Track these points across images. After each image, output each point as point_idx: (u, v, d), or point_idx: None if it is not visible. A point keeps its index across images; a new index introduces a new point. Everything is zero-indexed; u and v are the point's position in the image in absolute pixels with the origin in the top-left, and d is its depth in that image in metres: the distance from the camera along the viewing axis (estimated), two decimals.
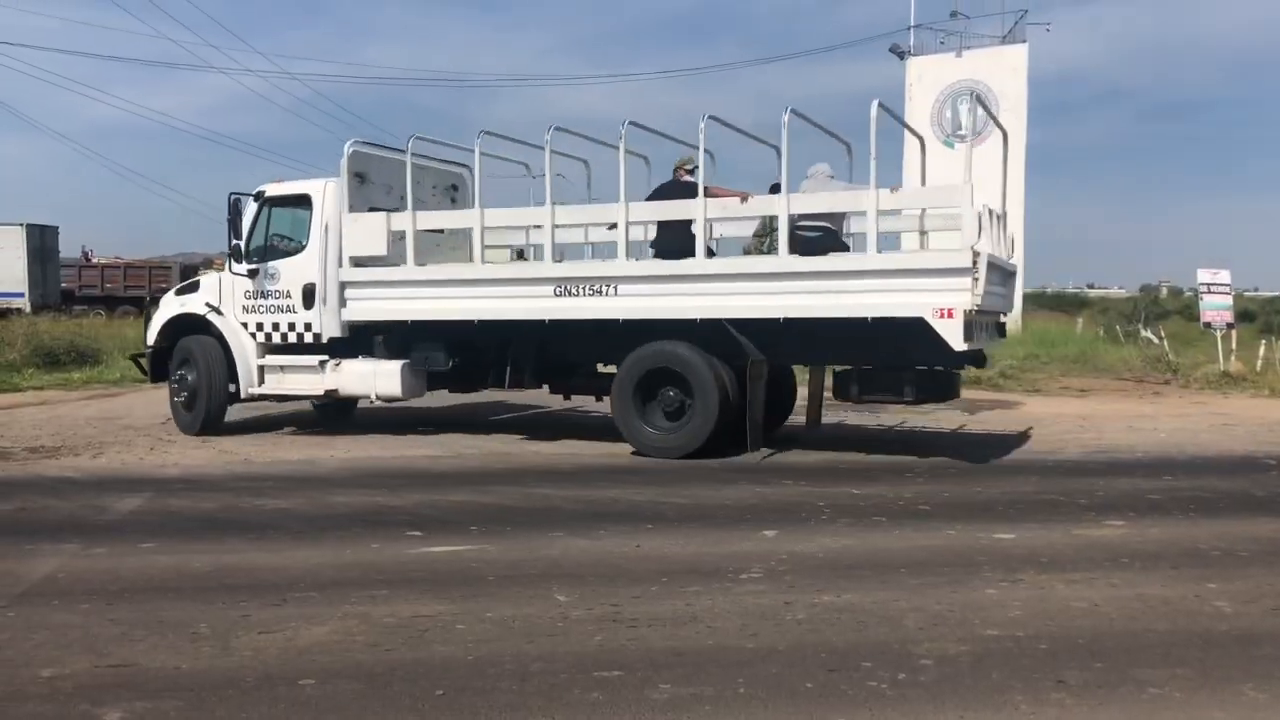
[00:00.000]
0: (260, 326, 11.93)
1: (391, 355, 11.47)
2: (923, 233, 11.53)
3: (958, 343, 9.09)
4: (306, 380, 11.75)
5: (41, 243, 41.05)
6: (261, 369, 11.91)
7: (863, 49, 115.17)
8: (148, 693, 4.21)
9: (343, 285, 11.50)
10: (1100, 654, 4.67)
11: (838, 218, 10.34)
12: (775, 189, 10.36)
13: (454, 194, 12.70)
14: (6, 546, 6.68)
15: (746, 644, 4.80)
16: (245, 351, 11.90)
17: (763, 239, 10.67)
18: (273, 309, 11.82)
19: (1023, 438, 11.90)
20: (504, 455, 10.66)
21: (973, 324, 9.18)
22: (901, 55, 33.57)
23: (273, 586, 5.73)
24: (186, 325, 12.24)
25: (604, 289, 10.49)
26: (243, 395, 11.99)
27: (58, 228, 42.37)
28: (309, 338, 11.68)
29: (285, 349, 11.84)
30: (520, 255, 12.22)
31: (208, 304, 12.12)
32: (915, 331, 9.28)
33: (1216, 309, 20.56)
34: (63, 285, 42.88)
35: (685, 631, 4.99)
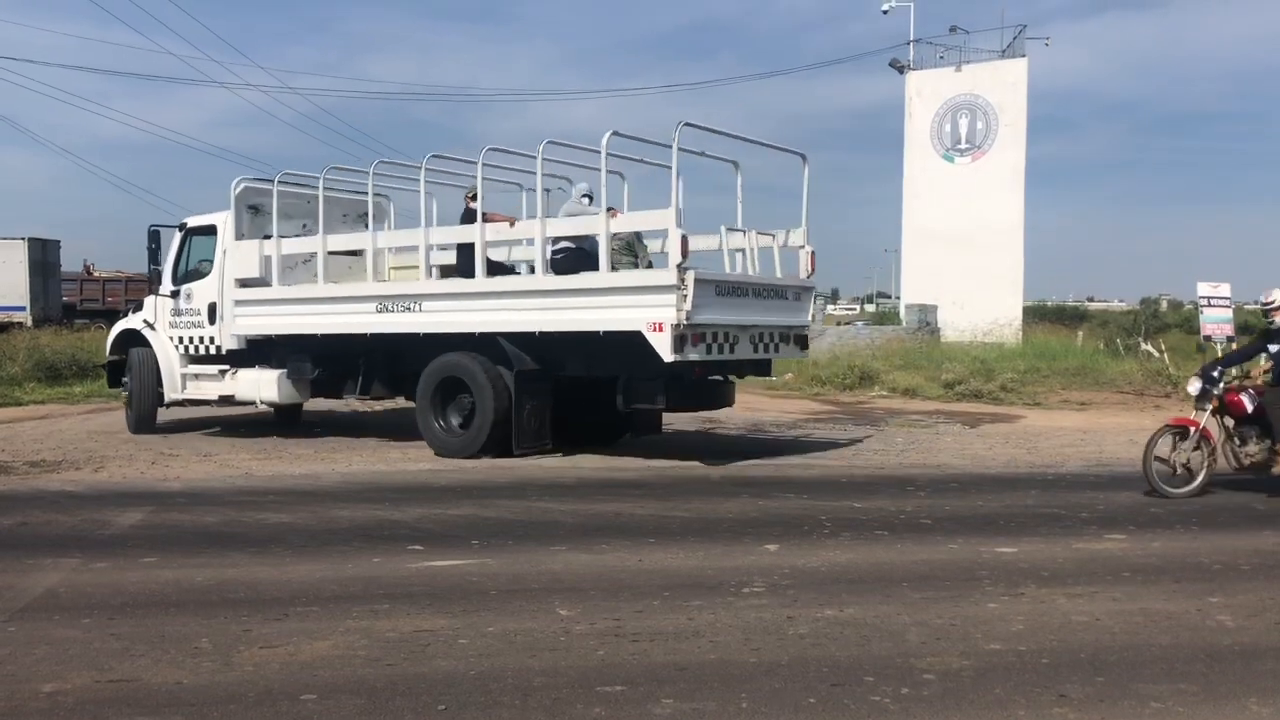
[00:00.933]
0: (182, 340, 13.57)
1: (276, 365, 12.87)
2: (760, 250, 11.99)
3: (666, 354, 9.92)
4: (212, 386, 13.38)
5: (43, 256, 41.06)
6: (184, 377, 13.52)
7: (863, 64, 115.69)
8: (149, 708, 4.21)
9: (234, 304, 13.03)
10: (1102, 668, 4.66)
11: (592, 238, 10.85)
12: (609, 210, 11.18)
13: (366, 222, 13.30)
14: (8, 561, 6.67)
15: (749, 658, 4.79)
16: (171, 362, 13.56)
17: (623, 255, 11.34)
18: (190, 325, 13.51)
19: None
20: (506, 469, 10.66)
21: (685, 337, 9.92)
22: (901, 70, 33.73)
23: (274, 601, 5.73)
24: (132, 339, 14.00)
25: (412, 306, 11.75)
26: (166, 400, 13.57)
27: (59, 241, 42.39)
28: (213, 349, 13.29)
29: (200, 359, 13.48)
30: (444, 273, 12.73)
31: (145, 321, 13.92)
32: (637, 343, 10.11)
33: (1217, 322, 20.60)
34: (64, 299, 42.88)
35: (688, 646, 4.98)
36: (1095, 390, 20.03)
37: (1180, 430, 9.18)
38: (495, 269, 11.77)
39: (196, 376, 13.47)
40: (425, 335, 11.62)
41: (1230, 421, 9.35)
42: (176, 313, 13.59)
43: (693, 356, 10.10)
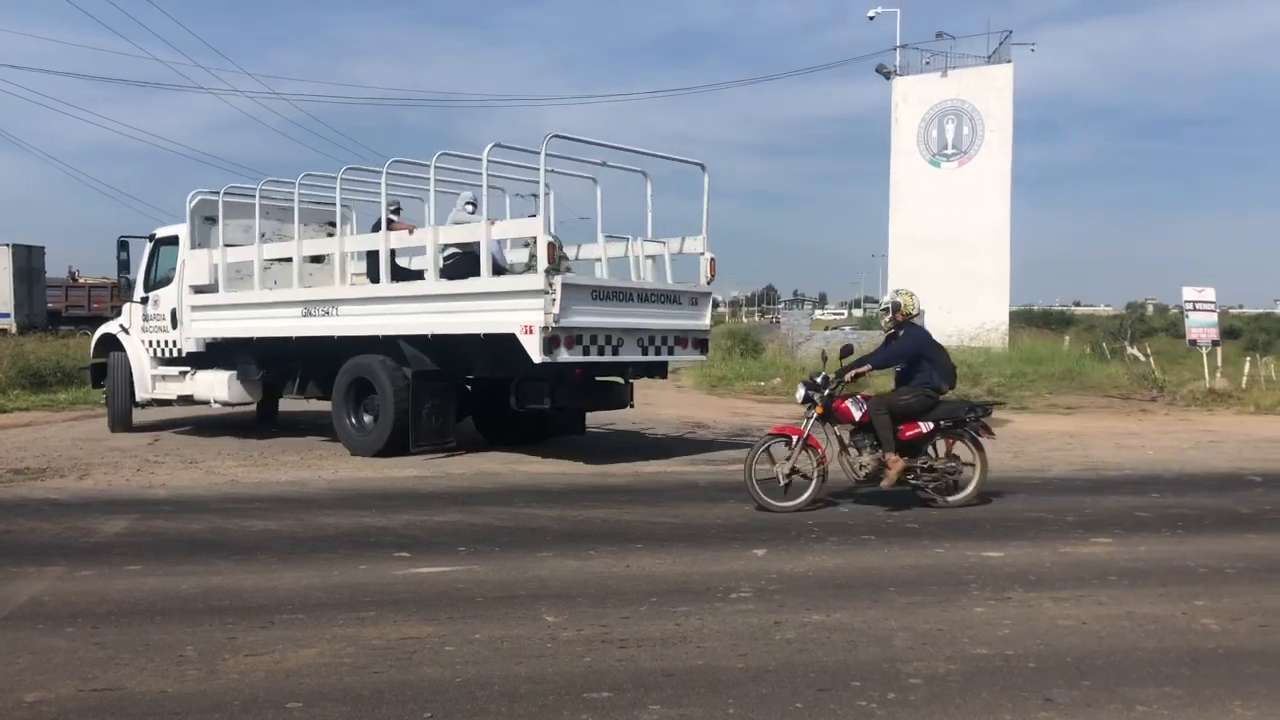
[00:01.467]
0: (151, 344, 14.44)
1: (228, 367, 13.60)
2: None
3: (536, 355, 10.38)
4: (175, 387, 14.19)
5: (28, 263, 40.92)
6: (153, 378, 14.37)
7: (849, 69, 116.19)
8: (133, 717, 4.18)
9: (189, 309, 13.85)
10: (1089, 672, 4.67)
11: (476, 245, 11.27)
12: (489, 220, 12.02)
13: (330, 230, 13.77)
14: None
15: (736, 664, 4.79)
16: (142, 364, 14.46)
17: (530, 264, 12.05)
18: (157, 329, 14.35)
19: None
20: (492, 475, 10.64)
21: (556, 339, 10.37)
22: (888, 75, 33.83)
23: (260, 609, 5.70)
24: (111, 343, 14.94)
25: (330, 311, 12.34)
26: (138, 399, 14.47)
27: (44, 248, 42.31)
28: (176, 352, 14.08)
29: (166, 362, 14.26)
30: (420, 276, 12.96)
31: (121, 326, 14.86)
32: (515, 346, 10.54)
33: (1202, 326, 20.70)
34: (49, 305, 42.73)
35: (675, 652, 4.98)
36: (1082, 394, 20.12)
37: (786, 439, 8.70)
38: (401, 275, 12.30)
39: (164, 377, 14.33)
40: (340, 338, 12.25)
41: (845, 431, 8.84)
42: (146, 318, 14.50)
43: (564, 358, 10.55)
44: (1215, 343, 20.71)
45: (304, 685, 4.51)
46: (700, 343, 12.14)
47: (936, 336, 9.72)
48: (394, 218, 12.51)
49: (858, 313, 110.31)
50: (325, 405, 13.29)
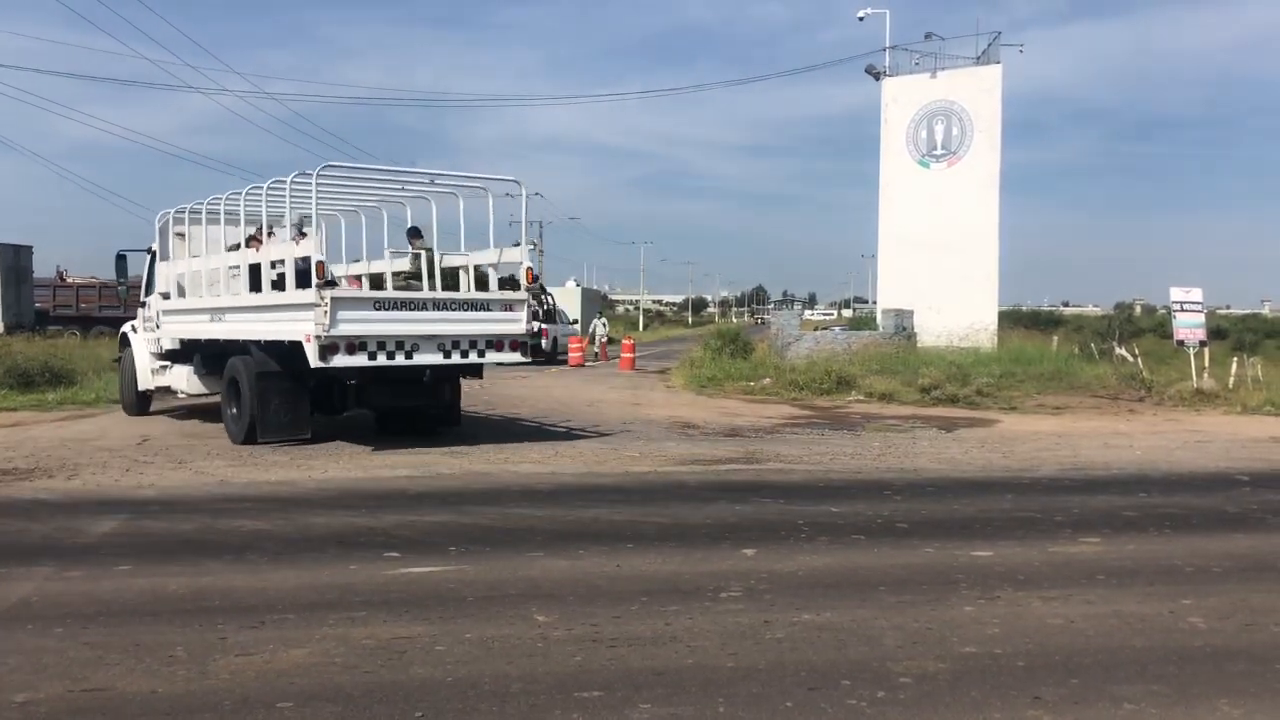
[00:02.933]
0: (149, 342, 16.29)
1: (189, 363, 15.28)
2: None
3: (313, 361, 11.52)
4: (159, 379, 16.03)
5: (16, 262, 40.71)
6: (151, 371, 16.18)
7: (839, 70, 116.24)
8: (124, 717, 4.18)
9: (160, 313, 15.78)
10: (1076, 670, 4.70)
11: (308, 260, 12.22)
12: (414, 231, 14.45)
13: (301, 237, 14.35)
14: None
15: (726, 663, 4.81)
16: (143, 359, 16.32)
17: (415, 277, 13.95)
18: (149, 329, 16.28)
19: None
20: (482, 475, 10.64)
21: (334, 347, 11.56)
22: (877, 76, 33.87)
23: (250, 609, 5.70)
24: (125, 340, 17.21)
25: (221, 317, 13.95)
26: (140, 388, 16.36)
27: (32, 247, 42.08)
28: (160, 349, 15.93)
29: (157, 357, 16.10)
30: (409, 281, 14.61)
31: (132, 326, 17.03)
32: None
33: (1189, 327, 20.80)
34: (37, 305, 42.53)
35: (665, 651, 4.99)
36: (1070, 394, 20.19)
37: None
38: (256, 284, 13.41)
39: (154, 370, 16.18)
40: (224, 340, 13.77)
41: None
42: (144, 320, 16.57)
43: (342, 363, 11.71)
44: (1202, 343, 20.81)
45: (294, 685, 4.51)
46: (520, 345, 12.99)
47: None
48: (254, 234, 14.21)
49: (847, 313, 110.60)
50: None
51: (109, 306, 45.24)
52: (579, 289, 61.16)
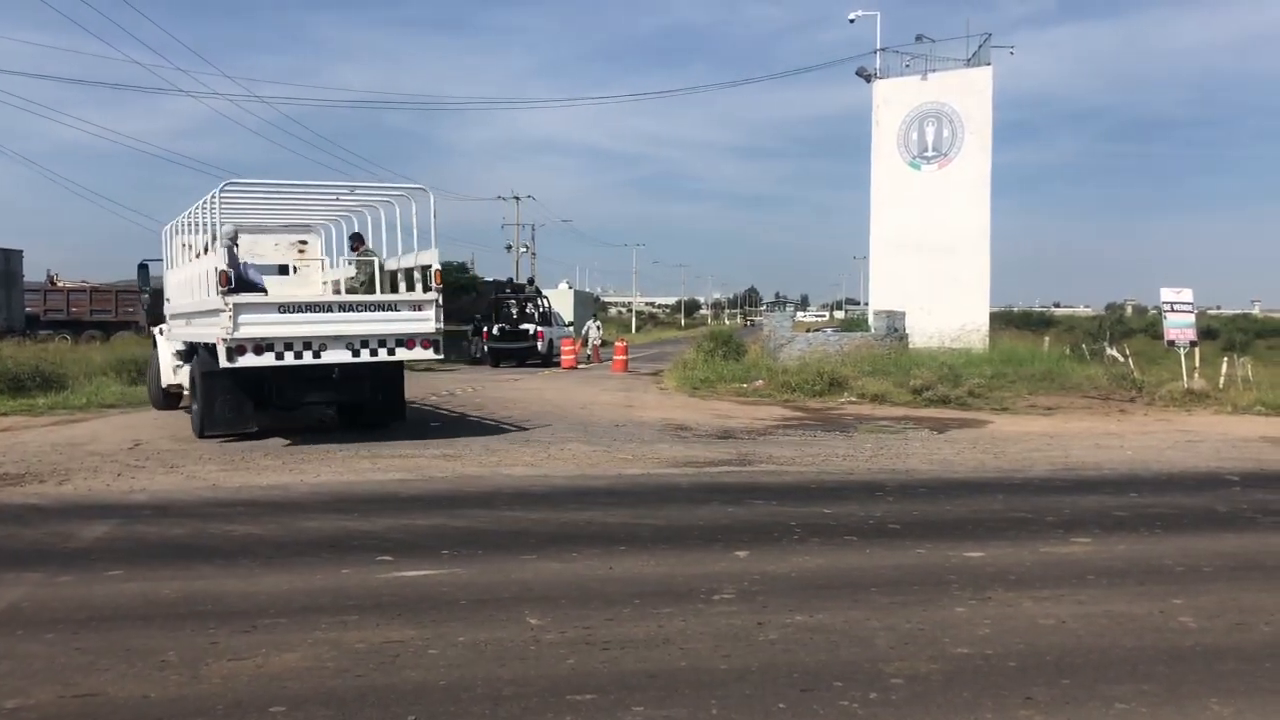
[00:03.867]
0: (170, 343, 16.96)
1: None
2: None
3: (222, 361, 12.66)
4: (175, 377, 16.84)
5: (6, 266, 40.58)
6: (172, 369, 16.93)
7: (830, 72, 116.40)
8: None
9: (169, 316, 16.72)
10: (1068, 670, 4.72)
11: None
12: (355, 238, 15.66)
13: (303, 247, 16.21)
14: None
15: (719, 665, 4.81)
16: (166, 359, 17.19)
17: (363, 281, 15.10)
18: (168, 331, 16.94)
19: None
20: (475, 479, 10.64)
21: (241, 348, 12.64)
22: (868, 78, 33.94)
23: (242, 613, 5.69)
24: (155, 341, 18.30)
25: (191, 321, 14.84)
26: (162, 384, 17.40)
27: (22, 251, 41.96)
28: (175, 351, 16.64)
29: (175, 356, 16.65)
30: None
31: (159, 329, 17.88)
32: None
33: (1180, 327, 20.86)
34: (27, 310, 42.40)
35: (658, 653, 5.00)
36: (1061, 395, 20.23)
37: None
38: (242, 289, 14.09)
39: (174, 370, 16.88)
40: (189, 343, 15.07)
41: None
42: (169, 324, 17.22)
43: (249, 363, 12.75)
44: (1193, 343, 20.88)
45: (287, 689, 4.51)
46: (431, 343, 13.78)
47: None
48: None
49: (839, 314, 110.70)
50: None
51: (100, 311, 45.22)
52: (572, 291, 61.19)
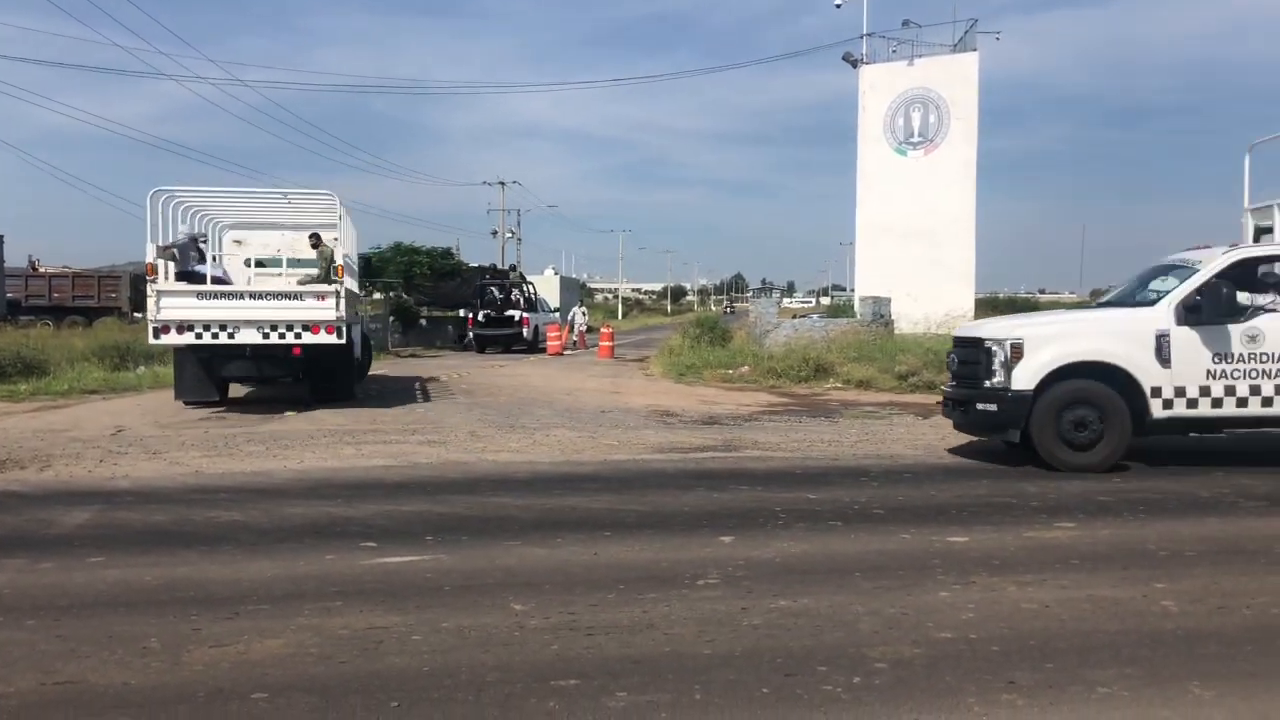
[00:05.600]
0: None
1: None
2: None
3: (150, 339, 15.34)
4: None
5: None
6: None
7: (816, 58, 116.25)
8: (96, 710, 4.15)
9: None
10: (1051, 654, 4.73)
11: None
12: (313, 236, 16.89)
13: (314, 241, 17.15)
14: None
15: (703, 650, 4.81)
16: None
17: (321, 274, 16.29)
18: None
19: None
20: (459, 464, 10.62)
21: (165, 328, 15.03)
22: (854, 64, 33.90)
23: (225, 599, 5.66)
24: None
25: None
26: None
27: (2, 236, 41.56)
28: None
29: None
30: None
31: None
32: None
33: None
34: (9, 295, 42.07)
35: (642, 639, 4.99)
36: None
37: None
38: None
39: None
40: None
41: None
42: None
43: (172, 340, 15.21)
44: None
45: (270, 676, 4.49)
46: (333, 329, 15.56)
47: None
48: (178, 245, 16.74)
49: (825, 300, 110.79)
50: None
51: (82, 296, 44.95)
52: (558, 277, 61.03)
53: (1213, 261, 10.21)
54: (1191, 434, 10.51)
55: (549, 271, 63.96)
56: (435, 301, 43.06)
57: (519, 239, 67.88)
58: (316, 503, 8.52)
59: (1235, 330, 9.94)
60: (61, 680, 4.47)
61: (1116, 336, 10.11)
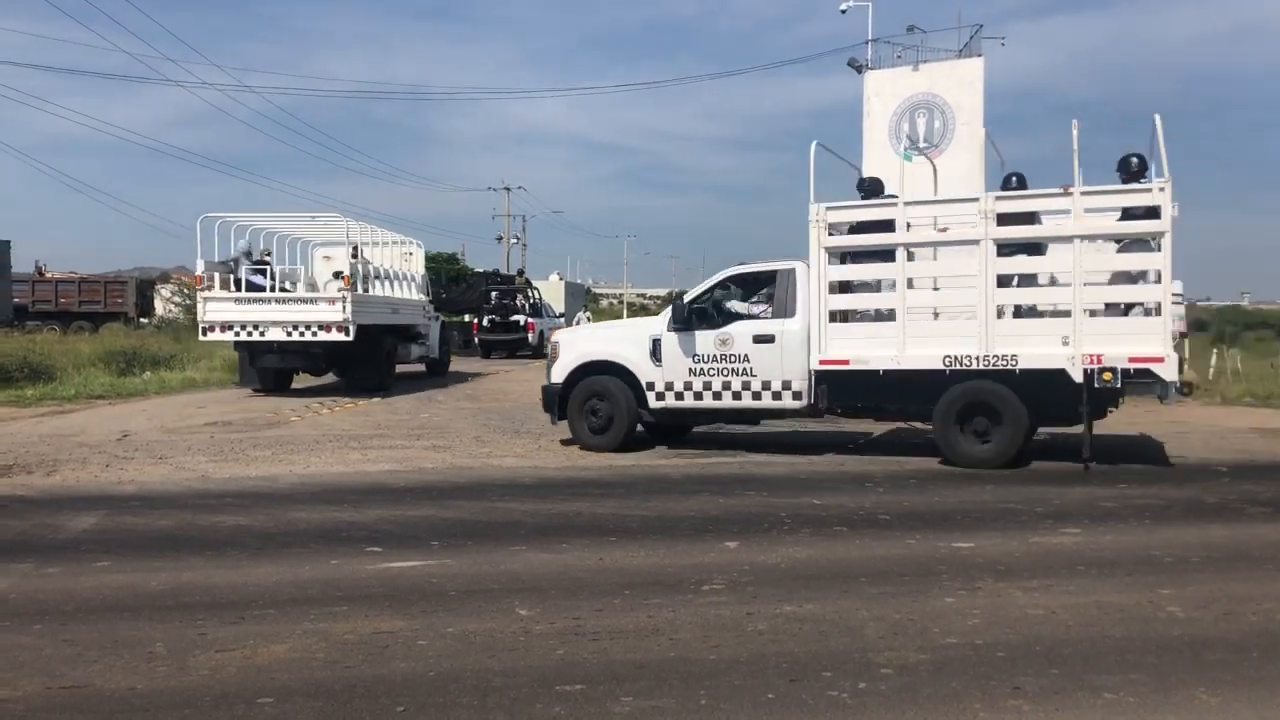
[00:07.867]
0: None
1: None
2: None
3: (200, 336, 18.91)
4: None
5: None
6: None
7: (822, 64, 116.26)
8: (102, 714, 4.16)
9: None
10: (1057, 661, 4.72)
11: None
12: (353, 249, 19.44)
13: (408, 256, 22.48)
14: None
15: (708, 655, 4.81)
16: None
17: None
18: None
19: None
20: (465, 469, 10.63)
21: (212, 327, 18.33)
22: (859, 69, 33.85)
23: (231, 604, 5.67)
24: None
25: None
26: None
27: (10, 242, 41.66)
28: None
29: None
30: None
31: None
32: None
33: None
34: (16, 301, 42.17)
35: (647, 644, 4.99)
36: None
37: None
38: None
39: None
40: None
41: None
42: None
43: (214, 338, 18.59)
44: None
45: (275, 680, 4.49)
46: (343, 328, 17.90)
47: None
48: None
49: None
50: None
51: (88, 302, 45.07)
52: (563, 282, 60.98)
53: (713, 277, 12.29)
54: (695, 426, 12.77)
55: (554, 277, 63.94)
56: (440, 307, 43.08)
57: (524, 244, 67.97)
58: (322, 508, 8.54)
59: (711, 335, 11.58)
60: (68, 685, 4.48)
61: (626, 341, 12.23)
